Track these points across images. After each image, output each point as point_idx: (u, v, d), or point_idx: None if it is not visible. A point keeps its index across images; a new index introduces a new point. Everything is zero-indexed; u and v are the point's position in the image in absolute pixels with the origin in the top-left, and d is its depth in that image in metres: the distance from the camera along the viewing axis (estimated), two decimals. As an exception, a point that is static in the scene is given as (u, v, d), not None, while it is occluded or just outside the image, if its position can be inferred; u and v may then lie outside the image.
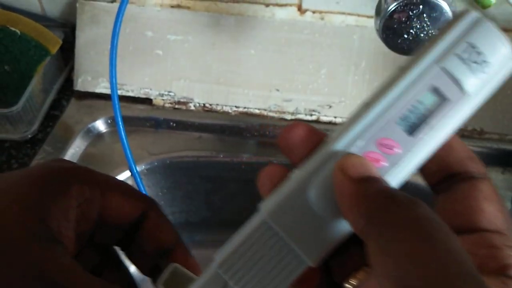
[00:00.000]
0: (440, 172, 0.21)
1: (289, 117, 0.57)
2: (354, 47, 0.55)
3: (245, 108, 0.57)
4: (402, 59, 0.54)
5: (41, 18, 0.61)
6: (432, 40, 0.20)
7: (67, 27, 0.62)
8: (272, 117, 0.57)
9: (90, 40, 0.57)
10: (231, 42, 0.56)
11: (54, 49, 0.56)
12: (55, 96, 0.59)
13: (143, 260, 0.27)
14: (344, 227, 0.20)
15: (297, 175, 0.20)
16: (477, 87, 0.20)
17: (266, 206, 0.20)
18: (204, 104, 0.58)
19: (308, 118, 0.57)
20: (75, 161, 0.53)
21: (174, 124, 0.57)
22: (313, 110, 0.57)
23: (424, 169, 0.21)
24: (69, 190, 0.24)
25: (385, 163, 0.20)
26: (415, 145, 0.20)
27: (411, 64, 0.20)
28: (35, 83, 0.54)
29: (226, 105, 0.58)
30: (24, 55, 0.54)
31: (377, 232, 0.17)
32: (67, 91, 0.60)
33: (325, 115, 0.57)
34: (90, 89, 0.58)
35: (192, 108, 0.58)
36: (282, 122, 0.57)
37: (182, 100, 0.58)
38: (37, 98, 0.56)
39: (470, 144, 0.54)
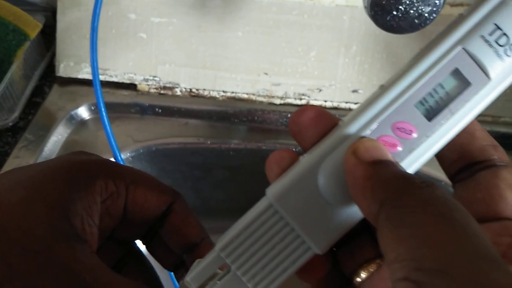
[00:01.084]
0: (461, 161, 0.20)
1: (278, 101, 0.56)
2: (344, 28, 0.53)
3: (233, 92, 0.56)
4: (393, 39, 0.52)
5: (21, 2, 0.59)
6: (457, 20, 0.19)
7: (49, 11, 0.60)
8: (260, 102, 0.56)
9: (72, 23, 0.55)
10: (218, 24, 0.54)
11: (34, 33, 0.54)
12: (36, 82, 0.57)
13: (167, 255, 0.26)
14: (354, 214, 0.19)
15: (307, 159, 0.19)
16: (502, 72, 0.18)
17: (273, 189, 0.19)
18: (190, 89, 0.56)
19: (298, 102, 0.56)
20: (57, 149, 0.52)
21: (160, 110, 0.56)
22: (303, 94, 0.55)
23: (444, 158, 0.20)
24: (94, 185, 0.23)
25: (400, 148, 0.19)
26: (434, 130, 0.19)
27: (432, 45, 0.19)
28: (15, 69, 0.52)
29: (213, 90, 0.56)
30: (2, 39, 0.52)
31: (391, 216, 0.16)
32: (49, 77, 0.58)
33: (315, 99, 0.55)
34: (73, 75, 0.57)
35: (178, 93, 0.56)
36: (271, 107, 0.56)
37: (167, 85, 0.56)
38: (18, 84, 0.54)
39: None
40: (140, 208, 0.25)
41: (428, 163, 0.20)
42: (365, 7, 0.34)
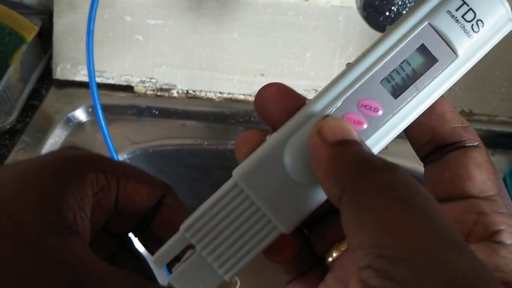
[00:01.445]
0: (432, 143, 0.20)
1: (274, 102, 0.56)
2: (339, 29, 0.53)
3: (229, 94, 0.56)
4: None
5: (18, 6, 0.59)
6: None
7: (45, 14, 0.60)
8: (257, 103, 0.56)
9: (68, 26, 0.55)
10: (213, 26, 0.54)
11: (30, 36, 0.54)
12: (34, 85, 0.57)
13: (159, 247, 0.27)
14: (320, 193, 0.18)
15: (272, 138, 0.19)
16: (469, 48, 0.18)
17: (238, 169, 0.19)
18: (187, 91, 0.56)
19: (294, 103, 0.56)
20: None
21: (157, 112, 0.56)
22: (299, 95, 0.56)
23: (415, 140, 0.20)
24: (84, 178, 0.23)
25: (366, 126, 0.19)
26: (400, 108, 0.18)
27: (400, 21, 0.18)
28: (12, 72, 0.52)
29: (210, 91, 0.56)
30: (-1, 43, 0.52)
31: (353, 200, 0.15)
32: (46, 80, 0.58)
33: (311, 100, 0.56)
34: (70, 77, 0.57)
35: (175, 94, 0.56)
36: (268, 107, 0.56)
37: (164, 86, 0.56)
38: (15, 87, 0.54)
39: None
40: (131, 201, 0.25)
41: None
42: (358, 8, 0.34)
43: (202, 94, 0.56)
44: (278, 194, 0.18)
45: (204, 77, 0.56)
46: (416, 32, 0.18)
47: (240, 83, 0.56)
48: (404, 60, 0.18)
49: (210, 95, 0.56)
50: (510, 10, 0.19)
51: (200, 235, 0.19)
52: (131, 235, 0.27)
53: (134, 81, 0.56)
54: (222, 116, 0.56)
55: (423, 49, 0.18)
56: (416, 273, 0.13)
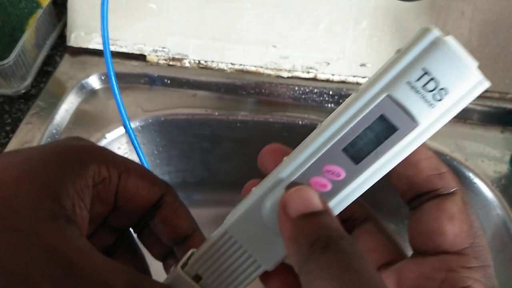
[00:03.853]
0: (410, 192, 0.21)
1: (285, 74, 0.56)
2: (353, 0, 0.53)
3: (241, 65, 0.56)
4: (403, 12, 0.52)
5: (33, -28, 0.60)
6: (389, 63, 0.19)
7: (60, -19, 0.60)
8: (268, 75, 0.56)
9: (83, -7, 0.56)
10: (227, -4, 0.54)
11: (46, 1, 0.54)
12: (48, 51, 0.58)
13: (157, 245, 0.27)
14: None
15: (253, 193, 0.22)
16: (431, 116, 0.19)
17: (227, 220, 0.23)
18: (199, 61, 0.57)
19: (305, 75, 0.56)
20: (68, 117, 0.53)
21: (169, 81, 0.56)
22: (311, 68, 0.56)
23: (396, 188, 0.22)
24: (86, 169, 0.23)
25: (330, 188, 0.21)
26: (360, 173, 0.20)
27: (361, 91, 0.19)
28: (27, 38, 0.53)
29: (221, 62, 0.56)
30: (15, 7, 0.53)
31: (304, 279, 0.18)
32: (60, 47, 0.59)
33: (323, 73, 0.56)
34: (84, 45, 0.57)
35: (187, 64, 0.57)
36: (279, 79, 0.56)
37: (176, 56, 0.56)
38: (30, 53, 0.55)
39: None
40: (131, 197, 0.25)
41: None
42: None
43: (214, 65, 0.57)
44: (259, 239, 0.22)
45: (216, 47, 0.56)
46: (376, 103, 0.19)
47: (252, 54, 0.56)
48: (365, 129, 0.19)
49: (222, 65, 0.56)
50: (479, 72, 0.18)
51: (204, 268, 0.23)
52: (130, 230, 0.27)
53: (146, 50, 0.56)
54: (233, 87, 0.56)
55: (383, 119, 0.19)
56: None
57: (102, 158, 0.24)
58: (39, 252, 0.20)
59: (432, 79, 0.18)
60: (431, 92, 0.18)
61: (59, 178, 0.22)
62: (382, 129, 0.19)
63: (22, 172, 0.22)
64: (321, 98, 0.55)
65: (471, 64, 0.18)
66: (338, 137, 0.20)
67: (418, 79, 0.18)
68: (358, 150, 0.20)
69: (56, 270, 0.20)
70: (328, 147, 0.20)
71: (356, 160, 0.20)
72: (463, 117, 0.54)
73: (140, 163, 0.48)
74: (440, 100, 0.18)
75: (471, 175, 0.50)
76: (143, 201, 0.25)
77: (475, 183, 0.50)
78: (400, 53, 0.19)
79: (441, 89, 0.18)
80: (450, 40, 0.18)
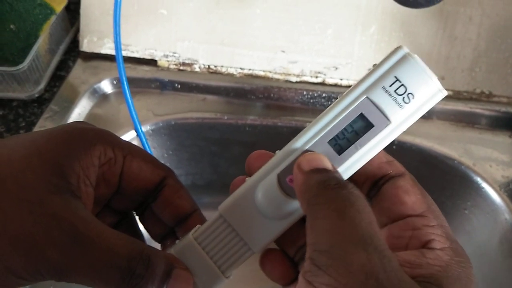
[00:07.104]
0: (368, 181, 0.25)
1: (294, 79, 0.57)
2: (361, 6, 0.53)
3: (250, 69, 0.57)
4: (410, 17, 0.52)
5: (47, -22, 0.61)
6: (368, 72, 0.23)
7: (73, -13, 0.61)
8: (277, 79, 0.57)
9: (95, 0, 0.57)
10: (237, 1, 0.55)
11: (59, 7, 0.55)
12: (61, 56, 0.59)
13: (157, 227, 0.28)
14: (281, 225, 0.24)
15: (248, 181, 0.25)
16: (400, 116, 0.23)
17: (222, 204, 0.25)
18: (208, 66, 0.57)
19: (314, 80, 0.57)
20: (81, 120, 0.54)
21: (179, 86, 0.57)
22: (319, 72, 0.56)
23: (357, 183, 0.25)
24: (93, 148, 0.24)
25: None
26: (342, 162, 0.23)
27: (346, 94, 0.23)
28: (41, 43, 0.54)
29: (231, 67, 0.57)
30: (29, 13, 0.54)
31: (310, 212, 0.21)
32: (73, 52, 0.60)
33: (331, 77, 0.56)
34: (96, 50, 0.58)
35: (197, 69, 0.58)
36: (287, 84, 0.57)
37: (186, 61, 0.57)
38: (44, 58, 0.56)
39: (478, 107, 0.53)
40: (135, 178, 0.26)
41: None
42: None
43: (223, 70, 0.57)
44: (250, 224, 0.24)
45: (225, 52, 0.57)
46: (357, 103, 0.23)
47: (261, 59, 0.57)
48: (347, 125, 0.23)
49: (231, 70, 0.57)
50: (439, 82, 0.22)
51: (205, 243, 0.26)
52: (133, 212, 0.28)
53: (157, 55, 0.57)
54: (242, 91, 0.57)
55: (362, 117, 0.23)
56: (330, 260, 0.19)
57: (108, 140, 0.25)
58: (45, 220, 0.21)
59: (402, 85, 0.22)
60: (401, 96, 0.22)
61: (66, 155, 0.23)
62: (361, 126, 0.23)
63: (30, 150, 0.23)
64: (330, 103, 0.56)
65: (432, 75, 0.22)
66: (325, 131, 0.23)
67: (391, 85, 0.22)
68: (341, 143, 0.23)
69: (62, 238, 0.21)
70: (316, 139, 0.23)
71: (339, 151, 0.23)
72: (471, 121, 0.54)
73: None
74: (408, 102, 0.22)
75: (479, 179, 0.50)
76: (146, 183, 0.26)
77: (483, 187, 0.50)
78: (377, 65, 0.23)
79: (409, 93, 0.22)
80: (416, 56, 0.22)
